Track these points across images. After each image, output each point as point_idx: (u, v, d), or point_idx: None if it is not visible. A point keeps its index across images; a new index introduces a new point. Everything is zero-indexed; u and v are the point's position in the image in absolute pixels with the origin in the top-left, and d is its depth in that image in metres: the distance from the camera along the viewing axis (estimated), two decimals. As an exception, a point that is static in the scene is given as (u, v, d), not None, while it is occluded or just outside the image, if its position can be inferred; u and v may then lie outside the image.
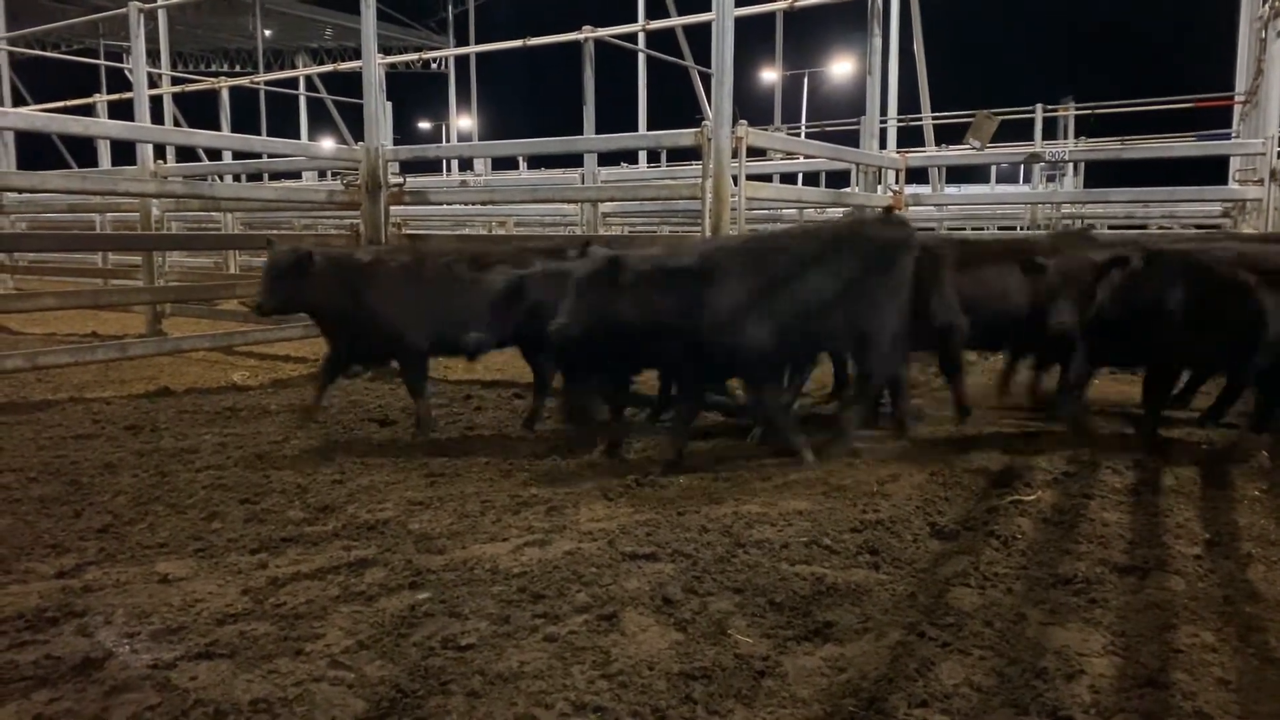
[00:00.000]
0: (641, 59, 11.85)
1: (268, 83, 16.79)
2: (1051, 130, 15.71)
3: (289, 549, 3.38)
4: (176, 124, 14.08)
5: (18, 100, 15.80)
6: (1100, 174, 16.09)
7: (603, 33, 10.08)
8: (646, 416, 5.66)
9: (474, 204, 11.18)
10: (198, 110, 16.05)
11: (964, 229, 13.24)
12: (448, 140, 20.31)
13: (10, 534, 3.49)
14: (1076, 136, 15.41)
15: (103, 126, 10.02)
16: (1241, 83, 13.11)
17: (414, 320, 5.19)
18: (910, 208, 9.00)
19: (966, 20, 24.08)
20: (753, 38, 18.10)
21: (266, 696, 2.30)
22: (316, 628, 2.69)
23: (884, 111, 9.45)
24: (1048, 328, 4.82)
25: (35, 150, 16.32)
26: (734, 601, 2.91)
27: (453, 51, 19.39)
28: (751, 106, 18.09)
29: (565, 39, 10.06)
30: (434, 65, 21.90)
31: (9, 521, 3.65)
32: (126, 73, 13.66)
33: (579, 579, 3.06)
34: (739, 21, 6.19)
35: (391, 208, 7.82)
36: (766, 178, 10.18)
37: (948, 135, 15.37)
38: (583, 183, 10.53)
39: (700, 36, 12.67)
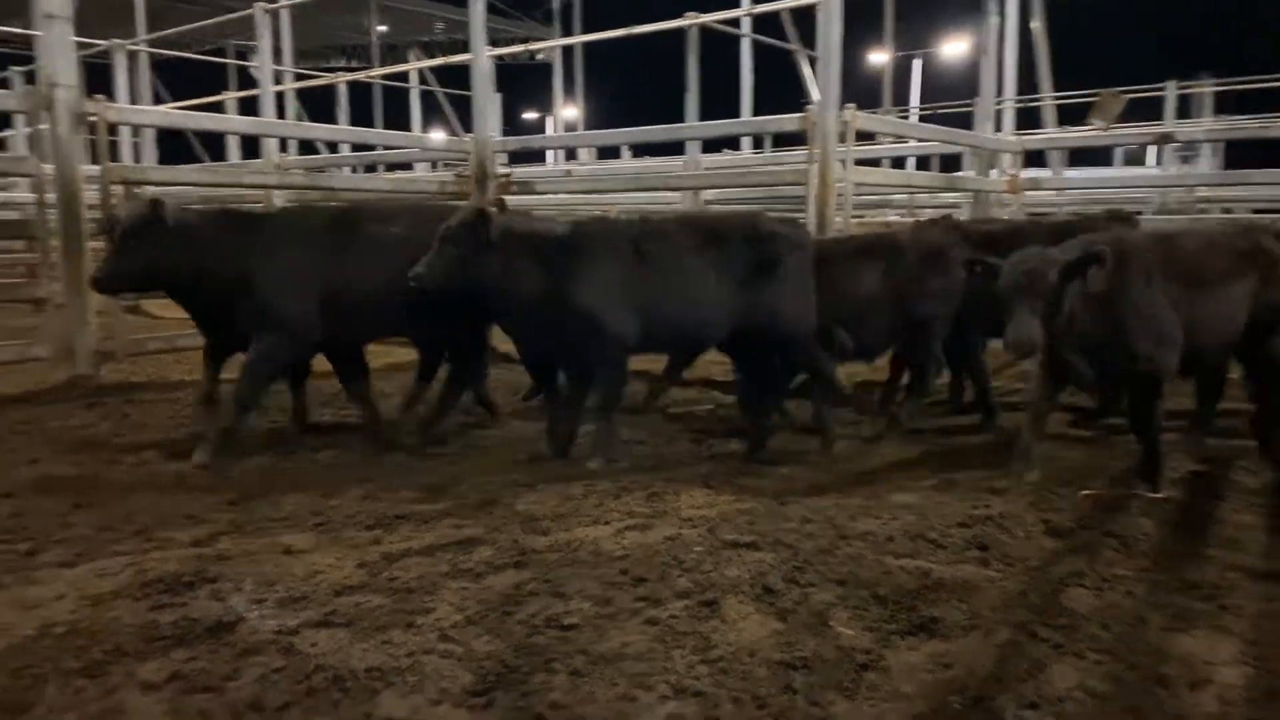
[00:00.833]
0: (746, 44, 11.74)
1: (382, 77, 17.39)
2: (1185, 109, 14.77)
3: (401, 526, 3.52)
4: (298, 118, 14.75)
5: (156, 99, 16.85)
6: (1241, 154, 15.02)
7: (707, 18, 10.02)
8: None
9: (578, 193, 11.31)
10: (318, 104, 16.76)
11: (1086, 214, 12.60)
12: (553, 130, 20.60)
13: (152, 506, 3.75)
14: (1216, 114, 14.42)
15: (231, 122, 10.59)
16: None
17: None
18: (1027, 192, 8.64)
19: (1092, -7, 22.83)
20: (861, 19, 17.66)
21: (381, 665, 2.41)
22: (427, 602, 2.80)
23: (1000, 92, 9.11)
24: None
25: (172, 145, 17.36)
26: (836, 593, 2.88)
27: (559, 42, 19.62)
28: (860, 90, 17.66)
29: (669, 26, 10.05)
30: (540, 56, 22.22)
31: (151, 495, 3.93)
32: (253, 71, 14.38)
33: (679, 564, 3.08)
34: (847, 2, 6.05)
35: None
36: (875, 162, 9.94)
37: (1070, 116, 14.65)
38: (685, 170, 10.52)
39: (806, 19, 12.45)
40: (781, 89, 14.22)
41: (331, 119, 14.70)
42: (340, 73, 17.36)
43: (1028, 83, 13.99)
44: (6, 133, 15.01)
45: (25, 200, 9.85)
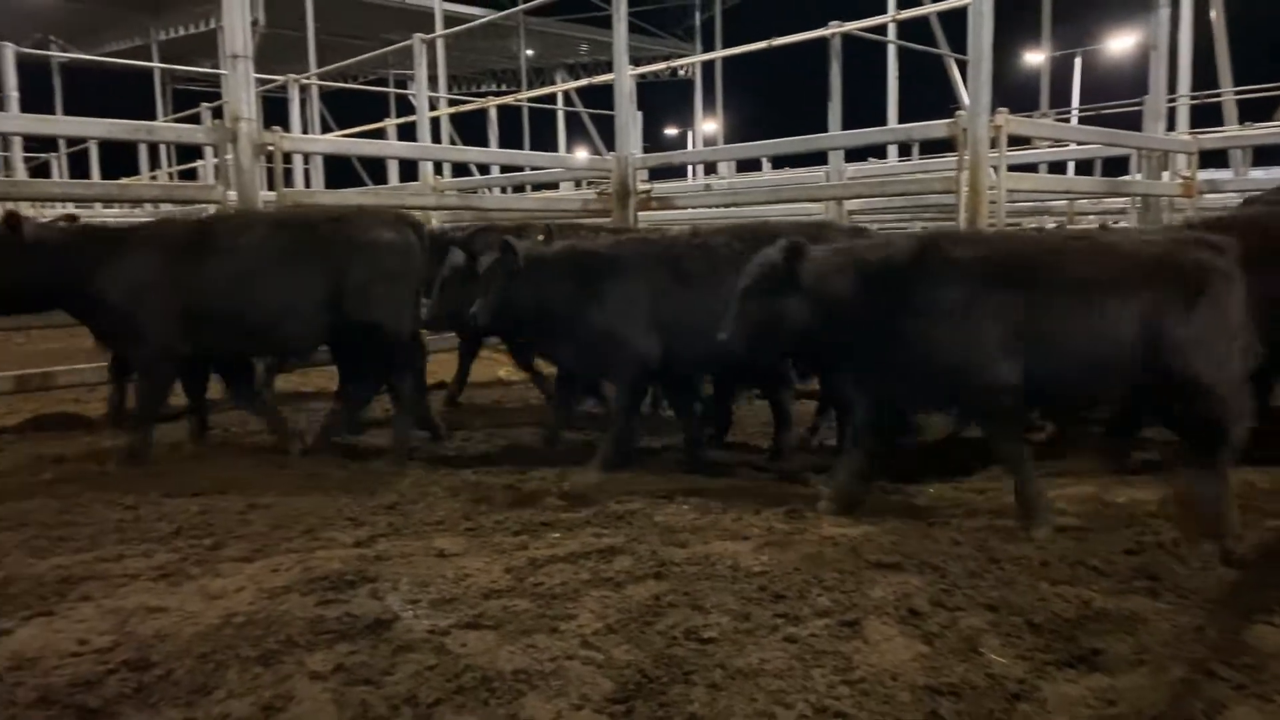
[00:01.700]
0: (892, 50, 11.45)
1: (529, 99, 18.02)
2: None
3: (547, 533, 3.62)
4: (452, 142, 15.50)
5: (325, 128, 18.10)
6: None
7: (850, 27, 9.85)
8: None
9: (717, 206, 11.34)
10: (471, 128, 17.54)
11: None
12: (692, 145, 20.75)
13: (318, 508, 4.03)
14: None
15: (391, 148, 11.27)
16: None
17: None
18: (1205, 194, 8.01)
19: (1279, -23, 20.99)
20: (1015, 19, 16.90)
21: (526, 668, 2.48)
22: (570, 608, 2.87)
23: (1173, 89, 8.49)
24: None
25: (339, 170, 18.61)
26: (986, 619, 2.75)
27: (700, 58, 19.77)
28: (1014, 92, 16.90)
29: (812, 36, 9.94)
30: (682, 72, 22.44)
31: (318, 497, 4.21)
32: (411, 98, 15.22)
33: (820, 583, 3.03)
34: (999, 2, 5.80)
35: (639, 213, 8.12)
36: (1032, 168, 9.47)
37: (1254, 112, 13.48)
38: (828, 180, 10.35)
39: (956, 22, 12.03)
40: (929, 95, 13.80)
41: (483, 141, 15.35)
42: (490, 97, 18.10)
43: (1202, 79, 12.98)
44: (196, 163, 16.51)
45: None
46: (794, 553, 3.32)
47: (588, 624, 2.76)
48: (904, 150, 14.34)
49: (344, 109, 20.92)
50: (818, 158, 11.56)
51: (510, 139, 17.67)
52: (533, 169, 11.27)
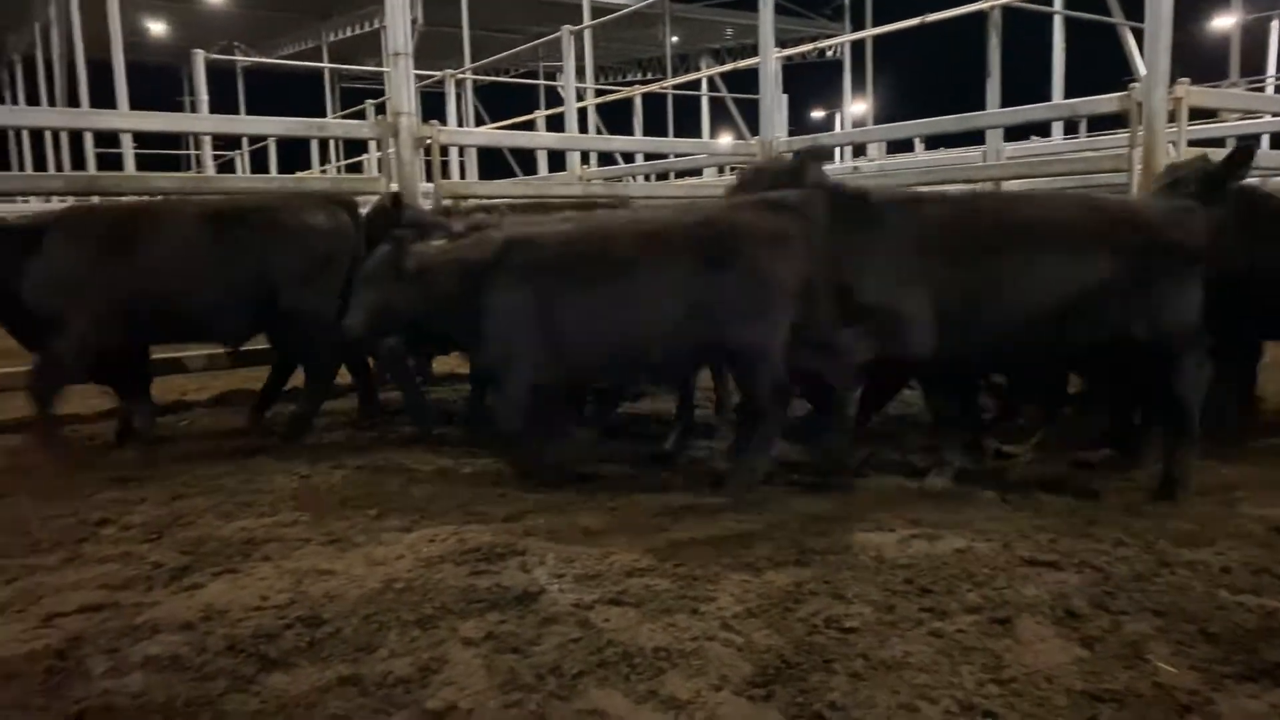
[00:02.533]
0: (1058, 20, 10.79)
1: (674, 86, 18.06)
2: None
3: (687, 516, 3.66)
4: (599, 132, 15.77)
5: (478, 120, 18.79)
6: None
7: (1012, -2, 9.34)
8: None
9: (866, 189, 11.04)
10: (617, 117, 17.78)
11: None
12: (840, 127, 20.22)
13: (474, 481, 4.23)
14: None
15: (540, 138, 11.58)
16: None
17: None
18: None
19: None
20: (1200, -19, 15.53)
21: (667, 646, 2.53)
22: (710, 590, 2.89)
23: (1389, 50, 7.58)
24: None
25: (491, 160, 19.28)
26: (1154, 625, 2.58)
27: (848, 37, 19.20)
28: (1197, 62, 15.54)
29: (969, 10, 9.49)
30: (829, 53, 21.89)
31: (470, 474, 4.42)
32: (559, 90, 15.58)
33: (969, 578, 2.93)
34: (1182, -36, 5.35)
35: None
36: (1218, 142, 8.70)
37: None
38: (985, 160, 9.87)
39: (1131, -13, 11.18)
40: (1097, 69, 12.87)
41: (629, 130, 15.53)
42: (635, 85, 18.26)
43: None
44: (361, 157, 17.51)
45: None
46: (943, 546, 3.22)
47: (728, 607, 2.77)
48: (1069, 129, 13.50)
49: (496, 102, 21.68)
50: (975, 138, 11.04)
51: (655, 126, 17.79)
52: (677, 155, 11.31)
